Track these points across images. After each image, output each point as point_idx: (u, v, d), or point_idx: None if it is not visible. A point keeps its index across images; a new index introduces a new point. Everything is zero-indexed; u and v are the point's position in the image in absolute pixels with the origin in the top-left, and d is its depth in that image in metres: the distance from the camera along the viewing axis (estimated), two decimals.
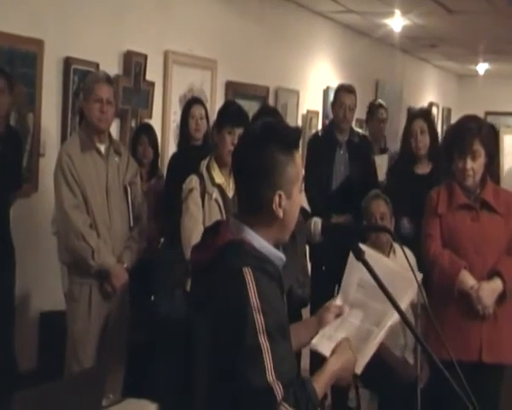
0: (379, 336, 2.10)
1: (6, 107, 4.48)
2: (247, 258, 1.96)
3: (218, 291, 1.97)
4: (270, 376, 1.86)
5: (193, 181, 3.85)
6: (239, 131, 3.84)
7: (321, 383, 2.00)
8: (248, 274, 1.93)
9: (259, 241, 2.01)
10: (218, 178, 3.87)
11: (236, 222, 2.04)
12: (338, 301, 2.16)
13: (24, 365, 4.63)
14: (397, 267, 2.21)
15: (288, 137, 2.05)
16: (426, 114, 5.11)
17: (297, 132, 2.11)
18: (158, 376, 4.06)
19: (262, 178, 2.00)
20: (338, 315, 2.14)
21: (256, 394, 1.87)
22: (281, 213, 2.00)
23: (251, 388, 1.88)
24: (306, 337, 2.28)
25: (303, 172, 2.07)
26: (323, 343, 2.15)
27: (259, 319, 1.89)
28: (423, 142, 4.77)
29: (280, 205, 1.99)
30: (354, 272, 2.16)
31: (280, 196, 1.99)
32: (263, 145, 2.01)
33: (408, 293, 2.14)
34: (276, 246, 2.08)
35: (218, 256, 2.00)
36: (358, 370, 2.12)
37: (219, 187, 3.86)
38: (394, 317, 2.09)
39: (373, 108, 6.59)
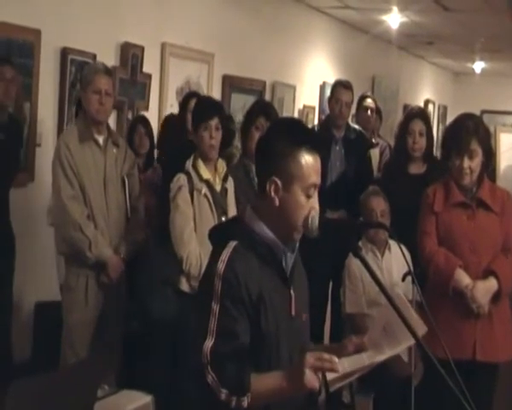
0: (360, 367, 2.14)
1: (14, 95, 4.49)
2: (239, 234, 2.10)
3: (209, 259, 2.16)
4: (208, 342, 2.00)
5: (180, 179, 3.87)
6: (214, 122, 3.89)
7: (260, 385, 2.01)
8: (229, 247, 2.07)
9: (259, 225, 2.12)
10: (205, 173, 3.91)
11: (248, 207, 2.19)
12: (365, 339, 2.20)
13: (19, 355, 4.62)
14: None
15: (296, 133, 2.15)
16: (425, 114, 5.06)
17: (308, 133, 2.23)
18: (153, 368, 4.08)
19: (263, 161, 2.15)
20: (359, 350, 2.17)
21: (195, 352, 2.04)
22: (276, 201, 2.10)
23: (194, 346, 2.05)
24: None
25: (315, 179, 2.11)
26: None
27: (218, 286, 2.03)
28: (420, 144, 4.70)
29: (276, 192, 2.09)
30: (384, 316, 2.21)
31: (275, 183, 2.09)
32: (273, 133, 2.18)
33: (402, 344, 2.19)
34: (285, 243, 2.14)
35: (219, 232, 2.21)
36: (331, 385, 2.10)
37: (207, 182, 3.90)
38: (382, 358, 2.16)
39: (360, 99, 6.59)
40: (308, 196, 2.11)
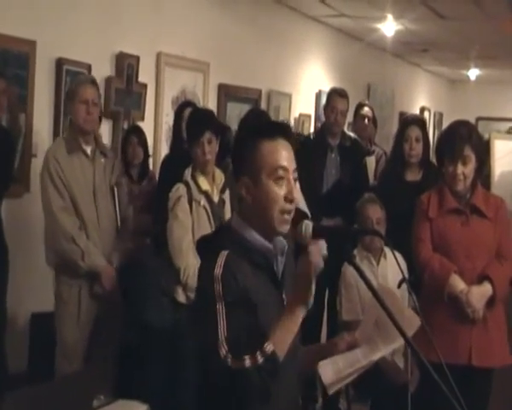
0: (358, 367, 2.13)
1: (6, 106, 4.51)
2: (230, 243, 2.09)
3: (200, 270, 2.16)
4: (221, 337, 1.98)
5: (180, 189, 3.89)
6: (205, 138, 3.90)
7: (275, 328, 2.00)
8: (222, 255, 2.06)
9: (247, 230, 2.12)
10: (204, 185, 3.93)
11: (235, 214, 2.20)
12: (357, 334, 2.20)
13: (14, 366, 4.61)
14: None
15: (255, 127, 2.21)
16: (421, 121, 5.07)
17: (265, 122, 2.23)
18: (148, 378, 4.07)
19: (234, 164, 2.19)
20: (351, 347, 2.17)
21: (208, 353, 2.01)
22: (249, 200, 2.10)
23: (205, 349, 2.04)
24: (316, 359, 2.25)
25: (280, 162, 2.10)
26: (326, 368, 2.16)
27: (219, 288, 2.01)
28: (417, 150, 4.71)
29: (247, 191, 2.10)
30: (374, 311, 2.21)
31: (245, 182, 2.11)
32: (238, 136, 2.28)
33: (396, 341, 2.18)
34: (270, 239, 2.14)
35: (208, 243, 2.19)
36: (329, 387, 2.12)
37: (206, 194, 3.91)
38: (378, 355, 2.15)
39: (358, 107, 6.62)
40: (277, 180, 2.08)
